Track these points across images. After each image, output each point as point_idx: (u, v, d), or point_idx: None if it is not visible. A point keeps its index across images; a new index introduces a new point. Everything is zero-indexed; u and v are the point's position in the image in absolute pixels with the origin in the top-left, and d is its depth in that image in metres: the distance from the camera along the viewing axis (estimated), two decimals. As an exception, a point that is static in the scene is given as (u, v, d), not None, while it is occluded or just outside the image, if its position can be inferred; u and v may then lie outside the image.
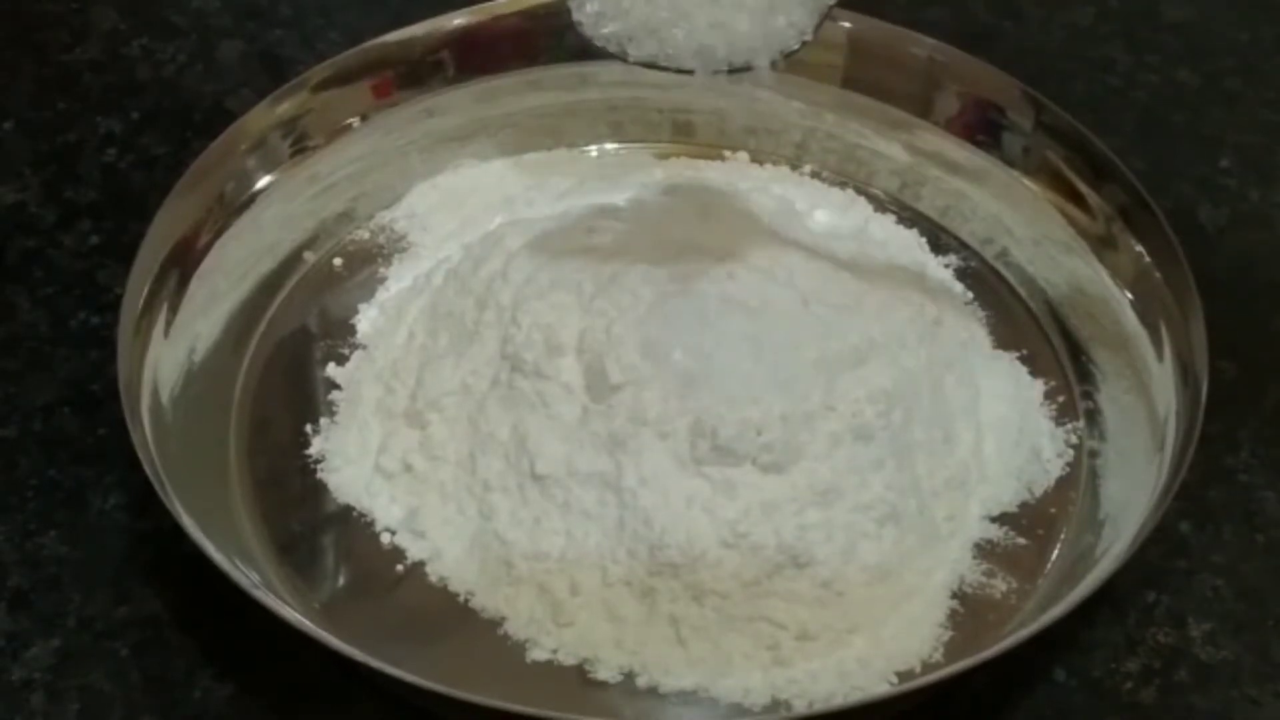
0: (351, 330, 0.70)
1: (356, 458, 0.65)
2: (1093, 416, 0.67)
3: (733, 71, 0.59)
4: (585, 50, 0.77)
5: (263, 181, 0.72)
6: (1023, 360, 0.69)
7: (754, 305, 0.63)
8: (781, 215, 0.72)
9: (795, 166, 0.78)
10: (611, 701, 0.57)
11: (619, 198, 0.73)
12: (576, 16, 0.60)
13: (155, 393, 0.63)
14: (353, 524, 0.63)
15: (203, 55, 0.86)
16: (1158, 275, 0.66)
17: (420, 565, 0.61)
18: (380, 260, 0.74)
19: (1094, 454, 0.66)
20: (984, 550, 0.62)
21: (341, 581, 0.62)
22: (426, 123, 0.77)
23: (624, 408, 0.61)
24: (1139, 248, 0.68)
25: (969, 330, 0.70)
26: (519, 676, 0.58)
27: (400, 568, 0.61)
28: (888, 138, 0.76)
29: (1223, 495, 0.66)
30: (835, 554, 0.59)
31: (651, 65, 0.59)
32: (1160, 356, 0.65)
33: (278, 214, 0.72)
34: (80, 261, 0.74)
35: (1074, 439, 0.66)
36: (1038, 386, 0.68)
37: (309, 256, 0.73)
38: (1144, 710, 0.59)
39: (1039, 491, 0.64)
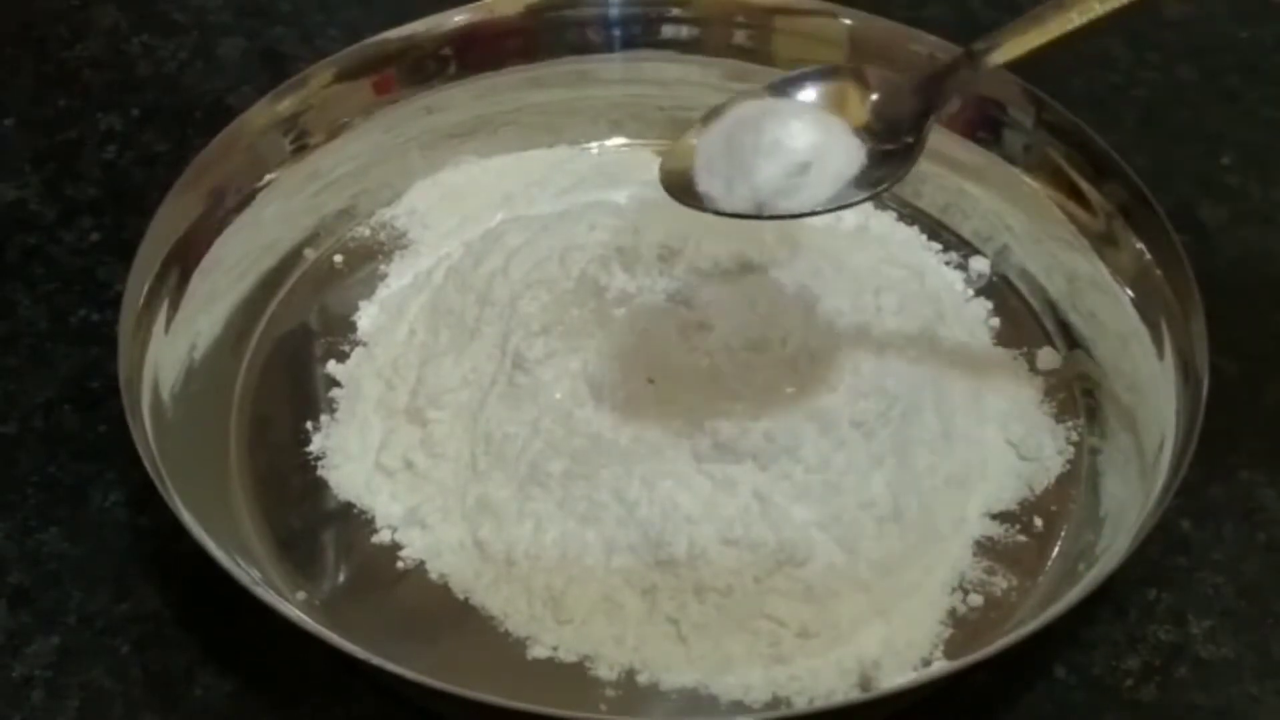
0: (352, 327, 0.70)
1: (357, 455, 0.65)
2: (1093, 414, 0.67)
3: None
4: (586, 47, 0.78)
5: (263, 179, 0.72)
6: (1023, 357, 0.69)
7: (753, 302, 0.63)
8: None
9: (796, 164, 0.78)
10: (612, 698, 0.57)
11: (620, 195, 0.73)
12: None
13: (156, 389, 0.63)
14: (353, 521, 0.63)
15: (203, 52, 0.86)
16: (1158, 273, 0.66)
17: (421, 562, 0.61)
18: (381, 257, 0.74)
19: (1094, 451, 0.66)
20: (984, 548, 0.62)
21: (342, 578, 0.62)
22: (427, 119, 0.77)
23: (625, 406, 0.61)
24: (1140, 245, 0.68)
25: (969, 328, 0.70)
26: (519, 674, 0.58)
27: (401, 565, 0.61)
28: (888, 135, 0.76)
29: (1223, 493, 0.65)
30: (836, 551, 0.60)
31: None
32: (1161, 354, 0.65)
33: (278, 211, 0.72)
34: (80, 258, 0.74)
35: (1074, 436, 0.66)
36: (1038, 383, 0.68)
37: (309, 253, 0.73)
38: (1144, 707, 0.59)
39: (1039, 489, 0.64)
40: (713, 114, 0.59)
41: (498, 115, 0.78)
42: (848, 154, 0.58)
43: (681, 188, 0.58)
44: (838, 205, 0.57)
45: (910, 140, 0.58)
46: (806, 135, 0.57)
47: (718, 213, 0.58)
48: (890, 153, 0.58)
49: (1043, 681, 0.60)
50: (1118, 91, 0.85)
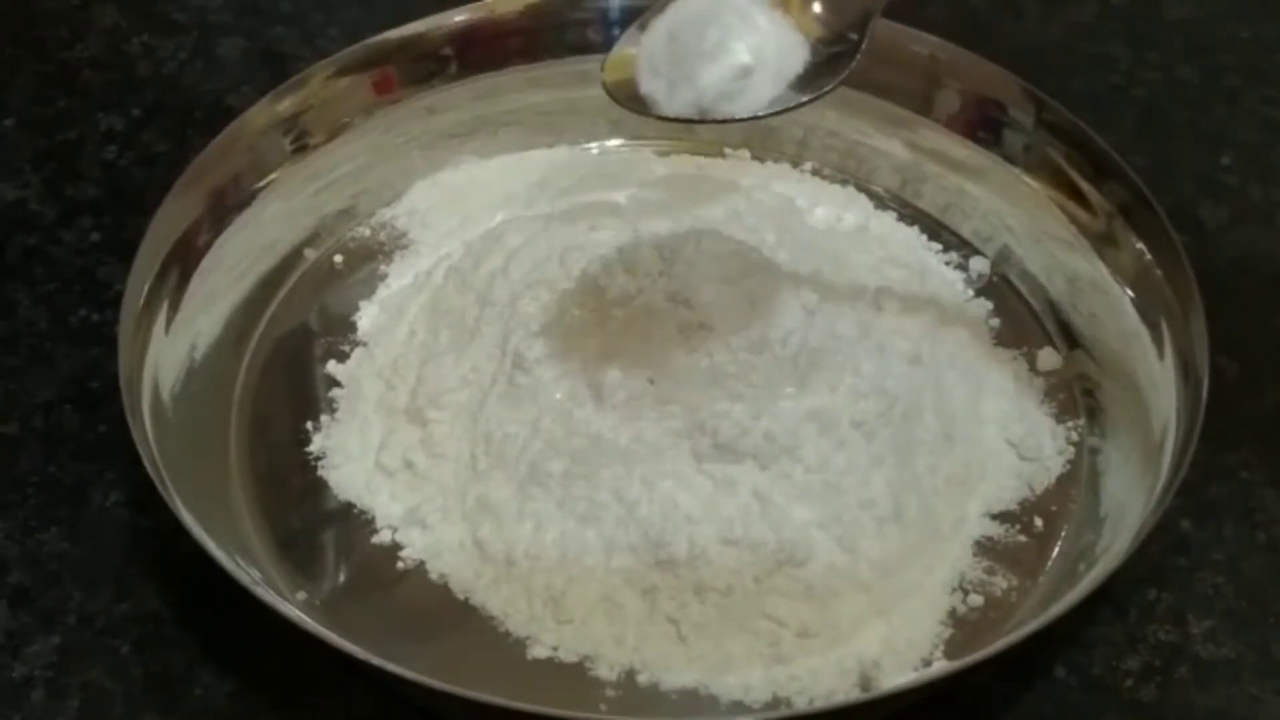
0: (352, 327, 0.70)
1: (357, 455, 0.65)
2: (1094, 414, 0.67)
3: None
4: (586, 47, 0.78)
5: (263, 179, 0.72)
6: (1023, 357, 0.69)
7: (753, 302, 0.63)
8: (782, 212, 0.72)
9: (796, 164, 0.78)
10: (612, 698, 0.57)
11: (620, 195, 0.73)
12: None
13: (156, 389, 0.63)
14: (353, 521, 0.63)
15: (203, 52, 0.86)
16: (1159, 273, 0.66)
17: (421, 562, 0.61)
18: (381, 257, 0.74)
19: (1095, 451, 0.66)
20: (985, 548, 0.62)
21: (342, 578, 0.62)
22: (428, 120, 0.77)
23: (625, 406, 0.61)
24: (1140, 245, 0.68)
25: (970, 328, 0.70)
26: (519, 674, 0.58)
27: (401, 565, 0.61)
28: (888, 135, 0.76)
29: (1223, 493, 0.65)
30: (836, 551, 0.60)
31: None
32: (1161, 354, 0.65)
33: (278, 211, 0.72)
34: (81, 258, 0.74)
35: (1075, 436, 0.66)
36: (1038, 384, 0.68)
37: (310, 254, 0.73)
38: (1144, 708, 0.59)
39: (1040, 489, 0.64)
40: (652, 13, 0.58)
41: (498, 115, 0.78)
42: (791, 56, 0.57)
43: (626, 94, 0.58)
44: (780, 109, 0.57)
45: (856, 38, 0.57)
46: (750, 37, 0.56)
47: (660, 117, 0.57)
48: (837, 54, 0.57)
49: (1043, 681, 0.60)
50: (1118, 91, 0.85)
